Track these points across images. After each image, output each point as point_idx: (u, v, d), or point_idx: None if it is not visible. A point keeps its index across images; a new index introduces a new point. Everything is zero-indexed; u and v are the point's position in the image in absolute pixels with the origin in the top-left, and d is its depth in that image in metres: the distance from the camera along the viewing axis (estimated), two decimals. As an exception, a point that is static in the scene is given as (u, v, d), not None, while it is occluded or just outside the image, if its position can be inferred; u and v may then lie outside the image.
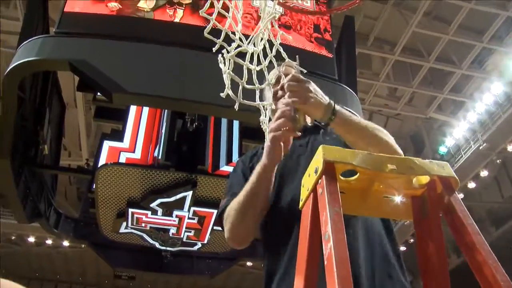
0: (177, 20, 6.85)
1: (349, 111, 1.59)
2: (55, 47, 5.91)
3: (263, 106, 1.64)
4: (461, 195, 13.93)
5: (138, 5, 6.82)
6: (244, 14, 7.23)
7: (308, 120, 1.85)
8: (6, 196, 7.57)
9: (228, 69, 1.53)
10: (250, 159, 1.82)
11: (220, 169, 7.65)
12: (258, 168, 1.54)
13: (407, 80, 13.96)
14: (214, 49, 1.57)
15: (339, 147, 0.98)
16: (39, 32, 6.96)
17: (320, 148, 0.96)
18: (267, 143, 1.49)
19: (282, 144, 1.46)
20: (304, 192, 1.02)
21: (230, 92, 1.56)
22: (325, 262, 0.82)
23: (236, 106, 1.55)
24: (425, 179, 1.02)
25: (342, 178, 1.01)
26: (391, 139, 1.57)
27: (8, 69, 5.78)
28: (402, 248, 14.84)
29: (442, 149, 15.07)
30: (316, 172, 0.96)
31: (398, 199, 1.07)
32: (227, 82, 1.54)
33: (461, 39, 12.34)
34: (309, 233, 0.93)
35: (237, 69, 1.61)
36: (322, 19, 7.68)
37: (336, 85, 6.81)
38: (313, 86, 1.52)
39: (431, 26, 12.44)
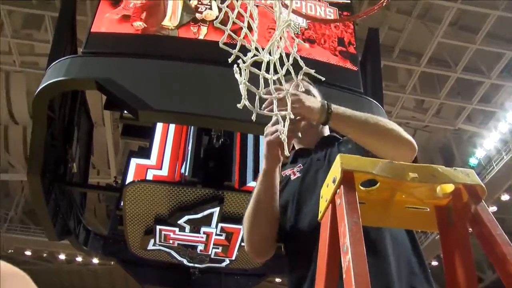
0: (201, 37, 6.92)
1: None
2: (82, 66, 6.03)
3: (281, 116, 1.62)
4: (494, 208, 13.66)
5: (163, 23, 6.93)
6: (267, 29, 7.28)
7: (325, 131, 1.84)
8: (37, 213, 7.71)
9: (244, 79, 1.52)
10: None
11: (247, 184, 7.62)
12: (260, 175, 1.56)
13: (434, 92, 13.76)
14: (230, 60, 1.56)
15: (358, 156, 0.95)
16: (67, 53, 7.13)
17: (338, 157, 0.93)
18: (264, 148, 1.54)
19: (280, 148, 1.49)
20: (323, 203, 0.99)
21: (247, 103, 1.55)
22: (344, 276, 0.78)
23: (254, 117, 1.54)
24: (449, 187, 0.97)
25: (362, 188, 0.98)
26: (396, 126, 1.54)
27: (38, 90, 5.92)
28: (434, 263, 14.48)
29: (473, 161, 14.75)
30: (334, 182, 0.93)
31: (421, 209, 1.03)
32: (243, 92, 1.53)
33: (489, 48, 12.12)
34: (328, 245, 0.89)
35: (255, 80, 1.60)
36: (346, 32, 7.66)
37: (361, 98, 6.74)
38: (303, 95, 1.54)
39: (457, 36, 12.26)
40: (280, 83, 1.53)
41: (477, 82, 13.32)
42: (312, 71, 1.61)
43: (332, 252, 0.88)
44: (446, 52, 12.84)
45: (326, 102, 1.55)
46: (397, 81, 14.23)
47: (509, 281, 0.80)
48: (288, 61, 1.61)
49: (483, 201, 0.94)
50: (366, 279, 0.75)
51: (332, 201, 0.93)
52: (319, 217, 1.01)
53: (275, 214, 1.59)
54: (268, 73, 1.56)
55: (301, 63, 1.62)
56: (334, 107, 1.53)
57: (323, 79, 1.61)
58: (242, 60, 1.55)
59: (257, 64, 1.59)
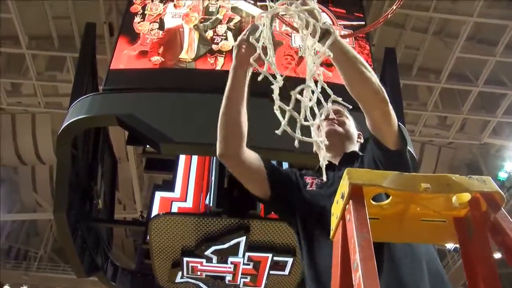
0: (218, 67, 7.01)
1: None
2: (103, 103, 6.14)
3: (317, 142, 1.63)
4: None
5: (180, 56, 7.05)
6: (284, 56, 7.33)
7: (349, 147, 1.84)
8: (65, 250, 7.76)
9: (288, 106, 1.51)
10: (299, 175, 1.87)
11: (272, 212, 7.57)
12: (230, 72, 1.68)
13: (456, 107, 13.56)
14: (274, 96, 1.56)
15: (366, 169, 0.92)
16: (88, 91, 7.29)
17: (346, 171, 0.90)
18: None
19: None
20: (334, 221, 0.96)
21: (288, 129, 1.55)
22: None
23: (296, 143, 1.54)
24: (466, 197, 0.92)
25: (374, 203, 0.94)
26: (375, 77, 1.64)
27: (61, 129, 6.03)
28: None
29: (502, 175, 14.40)
30: (342, 197, 0.90)
31: (439, 221, 0.98)
32: (282, 118, 1.52)
33: (510, 59, 11.94)
34: (340, 263, 0.86)
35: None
36: (363, 53, 7.66)
37: (382, 118, 6.68)
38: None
39: (476, 50, 12.12)
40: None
41: (500, 95, 13.08)
42: (339, 99, 1.61)
43: (344, 271, 0.85)
44: (465, 67, 12.68)
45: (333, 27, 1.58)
46: (418, 99, 14.07)
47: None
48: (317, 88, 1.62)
49: (502, 208, 0.88)
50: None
51: (342, 217, 0.90)
52: (331, 235, 0.98)
53: (243, 119, 1.73)
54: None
55: (329, 91, 1.64)
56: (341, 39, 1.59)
57: (350, 107, 1.64)
58: (288, 89, 1.54)
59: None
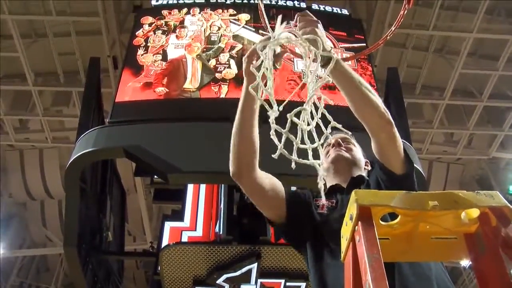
0: (223, 95, 7.07)
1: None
2: (109, 136, 6.19)
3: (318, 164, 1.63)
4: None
5: (184, 86, 7.12)
6: (287, 81, 7.39)
7: (355, 172, 1.84)
8: (75, 285, 7.71)
9: (285, 128, 1.52)
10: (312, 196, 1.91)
11: (282, 237, 7.50)
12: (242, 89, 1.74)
13: (462, 123, 13.52)
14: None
15: (374, 190, 0.92)
16: (95, 124, 7.35)
17: (353, 193, 0.91)
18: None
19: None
20: (344, 243, 0.96)
21: (285, 152, 1.56)
22: None
23: (293, 165, 1.54)
24: (475, 212, 0.92)
25: (383, 223, 0.94)
26: (379, 101, 1.69)
27: (68, 163, 6.07)
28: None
29: (513, 188, 14.27)
30: (351, 219, 0.90)
31: (449, 238, 0.97)
32: (277, 142, 1.53)
33: (513, 73, 11.96)
34: (353, 285, 0.85)
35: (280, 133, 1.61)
36: (365, 74, 7.72)
37: (388, 138, 6.68)
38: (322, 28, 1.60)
39: (478, 65, 12.17)
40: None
41: (506, 108, 13.06)
42: (339, 126, 1.62)
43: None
44: (469, 82, 12.71)
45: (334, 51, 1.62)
46: (423, 117, 14.06)
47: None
48: (317, 114, 1.64)
49: None
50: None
51: (352, 239, 0.90)
52: (341, 257, 0.98)
53: (254, 138, 1.80)
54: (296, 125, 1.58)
55: (330, 117, 1.66)
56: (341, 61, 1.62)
57: (349, 133, 1.66)
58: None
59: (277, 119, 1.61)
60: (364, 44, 8.33)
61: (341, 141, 2.02)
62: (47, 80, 12.31)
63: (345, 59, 8.02)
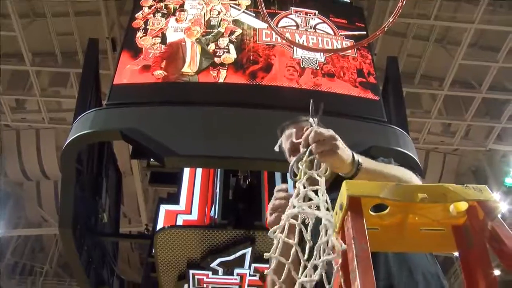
0: (221, 80, 7.04)
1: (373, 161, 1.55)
2: (106, 118, 6.17)
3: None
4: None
5: (182, 70, 7.09)
6: (286, 67, 7.37)
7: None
8: (70, 265, 7.76)
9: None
10: None
11: (278, 223, 7.53)
12: None
13: (460, 114, 13.54)
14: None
15: (364, 181, 0.92)
16: (92, 106, 7.33)
17: (344, 183, 0.92)
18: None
19: None
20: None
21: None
22: None
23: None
24: (464, 205, 0.94)
25: (373, 213, 0.95)
26: (401, 171, 1.56)
27: (65, 144, 6.06)
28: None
29: (508, 180, 14.31)
30: (341, 209, 0.91)
31: (436, 230, 0.99)
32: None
33: (513, 65, 11.94)
34: (342, 275, 0.86)
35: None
36: (365, 63, 7.68)
37: (386, 127, 6.70)
38: (339, 139, 1.45)
39: (478, 56, 12.13)
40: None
41: (504, 100, 13.05)
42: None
43: (345, 283, 0.85)
44: (468, 73, 12.68)
45: (354, 154, 1.49)
46: (422, 107, 14.07)
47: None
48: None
49: (498, 217, 0.89)
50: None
51: (342, 228, 0.91)
52: None
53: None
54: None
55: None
56: (362, 161, 1.48)
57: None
58: None
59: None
60: (365, 32, 8.29)
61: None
62: (44, 60, 12.24)
63: (345, 49, 7.98)
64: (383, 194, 0.89)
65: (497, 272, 0.94)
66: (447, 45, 12.39)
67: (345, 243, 0.86)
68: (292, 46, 7.44)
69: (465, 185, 0.93)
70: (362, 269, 0.75)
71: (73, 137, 6.00)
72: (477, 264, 0.88)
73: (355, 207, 0.88)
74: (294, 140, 1.81)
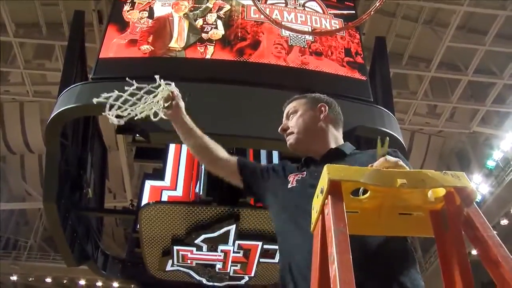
0: (208, 56, 6.98)
1: None
2: (92, 93, 6.09)
3: None
4: (515, 210, 13.40)
5: (170, 45, 7.00)
6: (274, 44, 7.33)
7: (332, 143, 1.82)
8: (55, 240, 7.76)
9: None
10: (279, 167, 1.93)
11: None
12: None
13: (446, 96, 13.64)
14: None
15: (345, 166, 0.93)
16: (77, 80, 7.24)
17: (325, 167, 0.92)
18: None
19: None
20: (314, 215, 0.98)
21: None
22: (331, 285, 0.77)
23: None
24: (442, 191, 0.95)
25: (353, 197, 0.96)
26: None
27: (50, 118, 5.99)
28: None
29: (490, 163, 14.51)
30: (322, 192, 0.92)
31: (414, 215, 1.00)
32: None
33: (499, 48, 12.00)
34: (319, 256, 0.88)
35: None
36: (353, 42, 7.67)
37: (372, 107, 6.72)
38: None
39: (466, 39, 12.17)
40: None
41: (490, 84, 13.17)
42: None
43: (323, 264, 0.87)
44: (455, 56, 12.75)
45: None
46: (408, 88, 14.15)
47: (501, 282, 0.78)
48: None
49: (474, 203, 0.91)
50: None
51: (322, 211, 0.92)
52: (311, 228, 1.00)
53: (203, 143, 2.05)
54: None
55: None
56: None
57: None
58: None
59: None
60: (354, 12, 8.26)
61: (283, 126, 1.91)
62: (28, 32, 12.00)
63: (333, 31, 7.93)
64: (364, 179, 0.90)
65: (474, 252, 0.96)
66: (436, 26, 12.40)
67: (324, 228, 0.87)
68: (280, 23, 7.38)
69: (443, 171, 0.94)
70: (340, 252, 0.77)
71: (58, 111, 5.93)
72: (452, 247, 0.90)
73: (335, 191, 0.89)
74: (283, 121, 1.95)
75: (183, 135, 2.05)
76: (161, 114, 1.94)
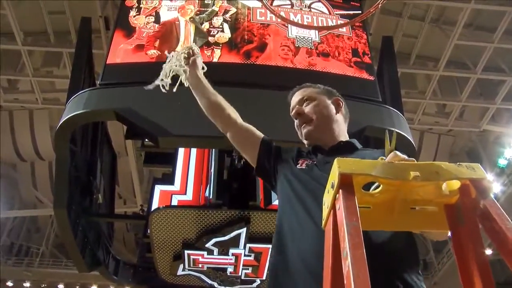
0: (215, 60, 6.98)
1: None
2: (100, 98, 6.12)
3: None
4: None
5: (176, 49, 7.00)
6: (281, 46, 7.31)
7: (342, 136, 1.82)
8: (66, 246, 7.79)
9: None
10: (286, 153, 1.91)
11: (273, 203, 7.56)
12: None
13: (455, 95, 13.53)
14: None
15: (356, 159, 0.91)
16: (85, 86, 7.27)
17: (335, 161, 0.90)
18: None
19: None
20: (325, 210, 0.95)
21: None
22: (345, 282, 0.74)
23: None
24: (456, 184, 0.92)
25: (364, 192, 0.93)
26: None
27: (58, 124, 6.01)
28: None
29: (502, 162, 14.37)
30: (333, 187, 0.89)
31: (428, 209, 0.97)
32: None
33: (508, 46, 11.88)
34: (332, 253, 0.85)
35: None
36: (360, 42, 7.64)
37: (381, 107, 6.68)
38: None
39: (474, 37, 12.07)
40: None
41: (499, 81, 13.04)
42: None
43: (336, 260, 0.84)
44: (464, 54, 12.63)
45: None
46: (417, 88, 14.04)
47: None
48: None
49: (491, 195, 0.88)
50: (367, 283, 0.71)
51: (333, 206, 0.90)
52: (322, 224, 0.97)
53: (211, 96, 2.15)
54: None
55: None
56: None
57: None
58: None
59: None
60: (360, 12, 8.22)
61: (298, 111, 1.91)
62: (36, 39, 12.08)
63: (339, 26, 7.91)
64: (375, 172, 0.87)
65: (488, 251, 0.93)
66: (443, 25, 12.31)
67: (336, 223, 0.85)
68: (286, 25, 7.37)
69: (458, 163, 0.91)
70: (353, 247, 0.74)
71: (66, 117, 5.95)
72: (469, 242, 0.86)
73: (346, 185, 0.86)
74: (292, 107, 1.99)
75: (197, 92, 2.16)
76: (181, 70, 2.11)
